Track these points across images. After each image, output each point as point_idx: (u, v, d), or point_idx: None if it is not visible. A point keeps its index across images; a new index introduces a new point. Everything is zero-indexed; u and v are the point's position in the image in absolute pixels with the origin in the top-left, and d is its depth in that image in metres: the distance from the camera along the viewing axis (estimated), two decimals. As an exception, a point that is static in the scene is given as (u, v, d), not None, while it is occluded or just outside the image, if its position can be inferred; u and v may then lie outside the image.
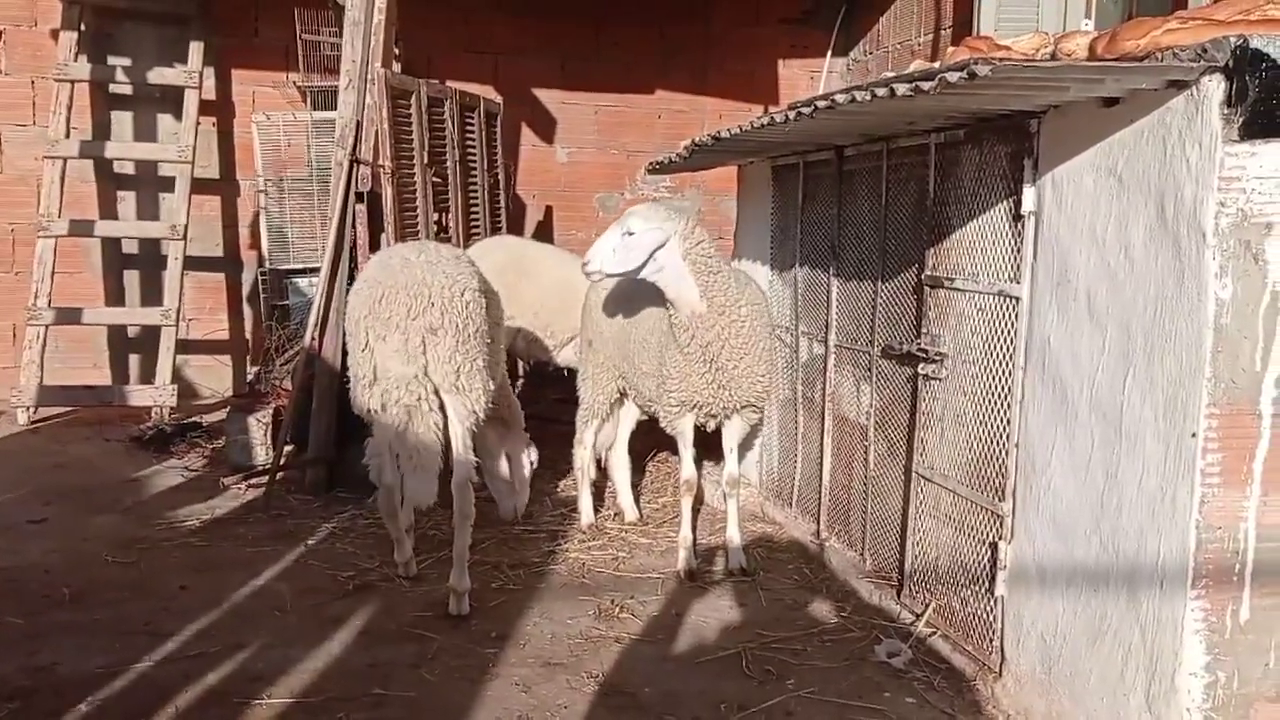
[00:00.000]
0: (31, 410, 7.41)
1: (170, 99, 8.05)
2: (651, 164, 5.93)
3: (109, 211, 8.19)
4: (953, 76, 2.69)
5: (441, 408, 4.26)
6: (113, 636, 3.91)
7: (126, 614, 4.15)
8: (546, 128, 9.23)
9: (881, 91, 3.06)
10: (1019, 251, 3.46)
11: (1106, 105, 3.02)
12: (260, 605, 4.29)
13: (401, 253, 4.48)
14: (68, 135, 7.65)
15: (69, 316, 7.61)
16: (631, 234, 4.32)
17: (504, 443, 5.30)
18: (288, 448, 5.96)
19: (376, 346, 4.19)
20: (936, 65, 3.08)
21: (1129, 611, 2.94)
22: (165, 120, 8.19)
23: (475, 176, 7.04)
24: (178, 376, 7.74)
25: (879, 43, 8.93)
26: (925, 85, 2.82)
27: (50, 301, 7.52)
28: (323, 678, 3.63)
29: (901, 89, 2.95)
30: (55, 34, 7.78)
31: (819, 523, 5.09)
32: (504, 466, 5.21)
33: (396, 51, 6.95)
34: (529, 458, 5.29)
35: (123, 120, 8.21)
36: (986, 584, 3.63)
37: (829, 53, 9.50)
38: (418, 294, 4.14)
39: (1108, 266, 3.04)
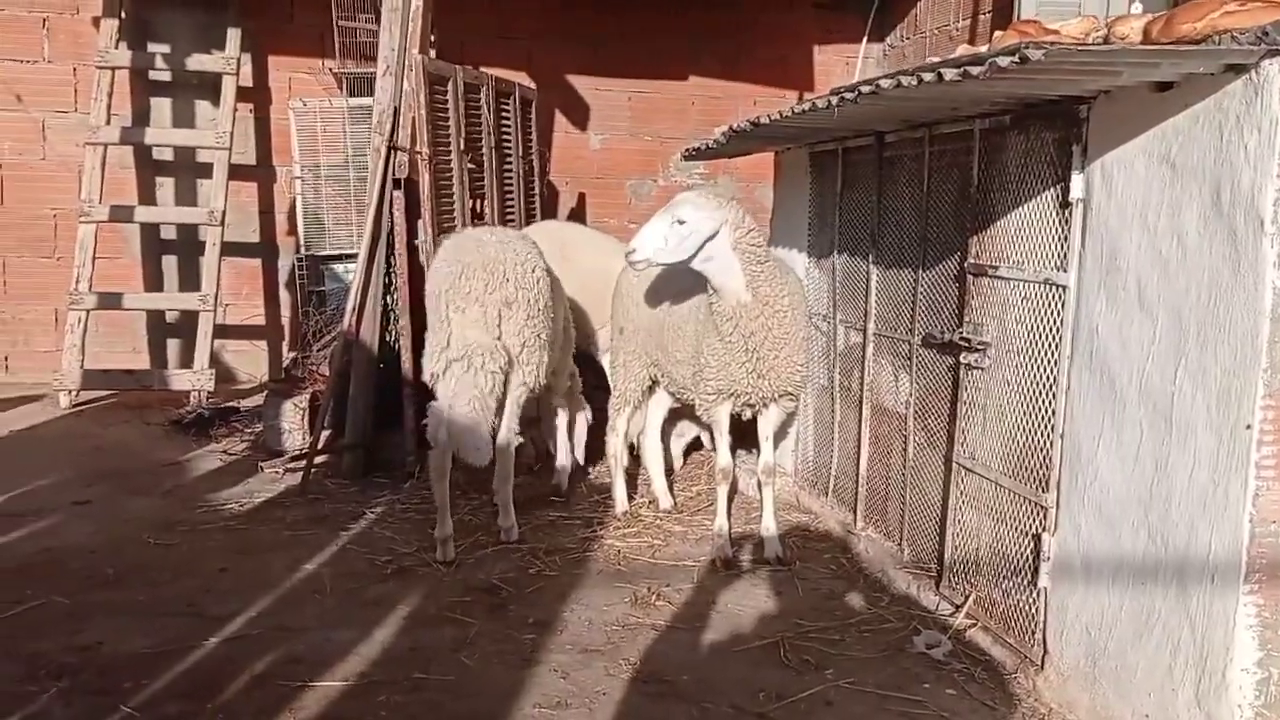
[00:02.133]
0: (73, 394, 7.50)
1: (208, 85, 8.11)
2: (687, 150, 5.90)
3: (148, 198, 8.27)
4: (1004, 61, 2.65)
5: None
6: (156, 617, 3.96)
7: (169, 595, 4.20)
8: (579, 114, 9.21)
9: (929, 76, 3.02)
10: (1066, 239, 3.41)
11: (1160, 90, 2.97)
12: (301, 588, 4.32)
13: (475, 235, 5.03)
14: (108, 122, 7.71)
15: (110, 301, 7.69)
16: (683, 223, 4.25)
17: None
18: (325, 432, 5.99)
19: (454, 318, 4.64)
20: (984, 50, 3.03)
21: (1178, 605, 2.90)
22: (203, 107, 8.25)
23: (510, 163, 7.03)
24: (215, 361, 7.80)
25: (916, 28, 8.83)
26: (974, 70, 2.79)
27: (91, 286, 7.60)
28: (364, 661, 3.65)
29: (950, 74, 2.91)
30: (96, 21, 7.84)
31: (855, 513, 5.06)
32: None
33: (431, 38, 6.95)
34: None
35: (162, 107, 8.28)
36: (1029, 576, 3.59)
37: (864, 38, 9.41)
38: (494, 270, 4.65)
39: (1159, 254, 2.99)
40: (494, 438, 4.73)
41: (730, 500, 5.04)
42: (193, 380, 7.56)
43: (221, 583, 4.36)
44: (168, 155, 8.30)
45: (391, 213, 5.83)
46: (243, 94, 8.19)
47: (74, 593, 4.17)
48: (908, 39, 8.96)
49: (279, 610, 4.08)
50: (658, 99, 9.32)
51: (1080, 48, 2.64)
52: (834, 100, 3.70)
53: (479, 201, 6.44)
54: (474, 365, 4.58)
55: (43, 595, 4.11)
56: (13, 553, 4.61)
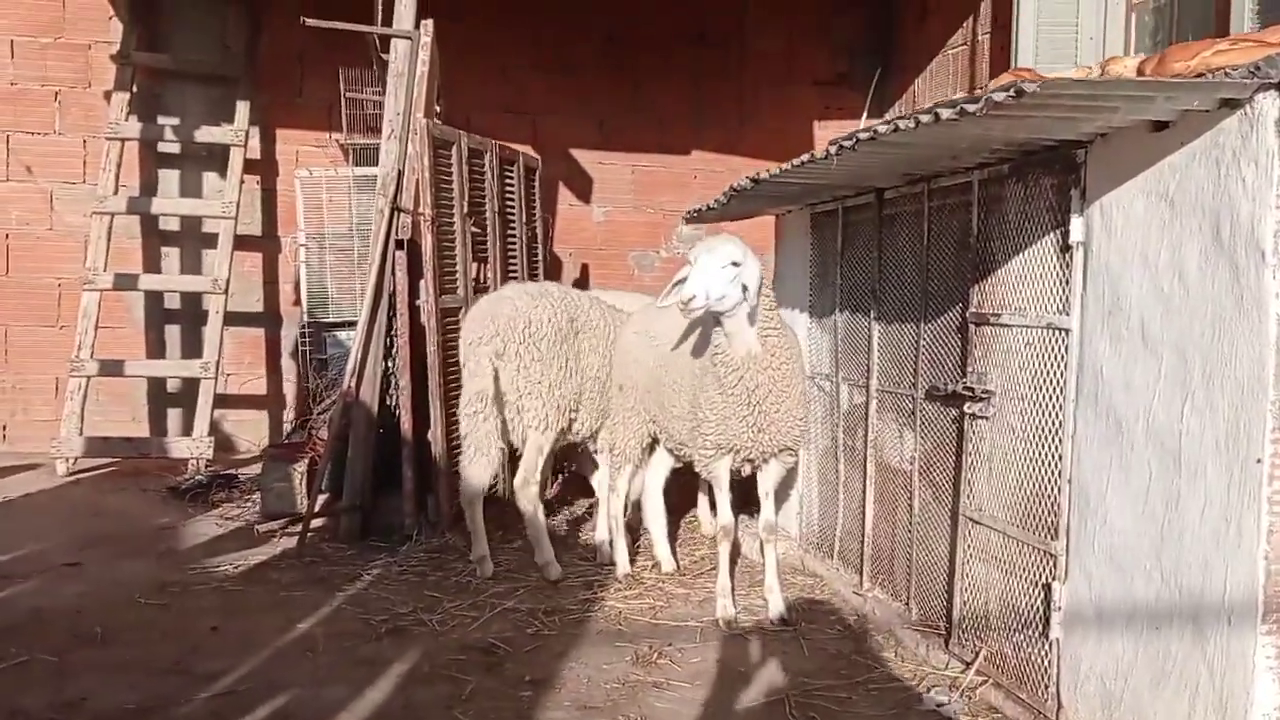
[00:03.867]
0: (71, 461, 7.44)
1: (216, 157, 8.22)
2: (689, 212, 5.94)
3: (153, 267, 8.33)
4: (999, 96, 2.66)
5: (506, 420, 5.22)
6: (143, 675, 3.86)
7: (157, 654, 4.09)
8: (583, 186, 9.31)
9: (926, 118, 3.03)
10: (1068, 283, 3.39)
11: (1156, 130, 2.98)
12: (292, 647, 4.22)
13: (497, 291, 5.69)
14: (116, 192, 7.79)
15: (111, 369, 7.68)
16: (738, 264, 4.15)
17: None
18: (322, 496, 5.92)
19: (467, 367, 5.21)
20: (979, 91, 3.05)
21: (1195, 649, 2.81)
22: (211, 178, 8.36)
23: (514, 229, 7.07)
24: (215, 430, 7.76)
25: (915, 103, 8.96)
26: (970, 107, 2.80)
27: (93, 354, 7.59)
28: (354, 717, 3.55)
29: (946, 114, 2.92)
30: (108, 95, 7.99)
31: (862, 574, 4.96)
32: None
33: (438, 109, 7.05)
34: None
35: (169, 178, 8.39)
36: (1040, 627, 3.49)
37: (864, 114, 9.54)
38: (486, 325, 5.11)
39: (1161, 292, 2.96)
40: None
41: (734, 563, 4.95)
42: (192, 448, 7.50)
43: (211, 641, 4.26)
44: (174, 225, 8.37)
45: (394, 273, 5.84)
46: (250, 166, 8.30)
47: (60, 651, 4.07)
48: (906, 115, 9.07)
49: (269, 668, 3.98)
50: (661, 173, 9.43)
51: (1075, 80, 2.66)
52: (833, 150, 3.72)
53: (481, 265, 6.45)
54: (466, 413, 5.14)
55: (27, 653, 4.01)
56: None
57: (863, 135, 3.46)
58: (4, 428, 8.26)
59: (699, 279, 4.15)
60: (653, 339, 5.13)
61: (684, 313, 4.25)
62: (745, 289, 4.18)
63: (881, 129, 3.33)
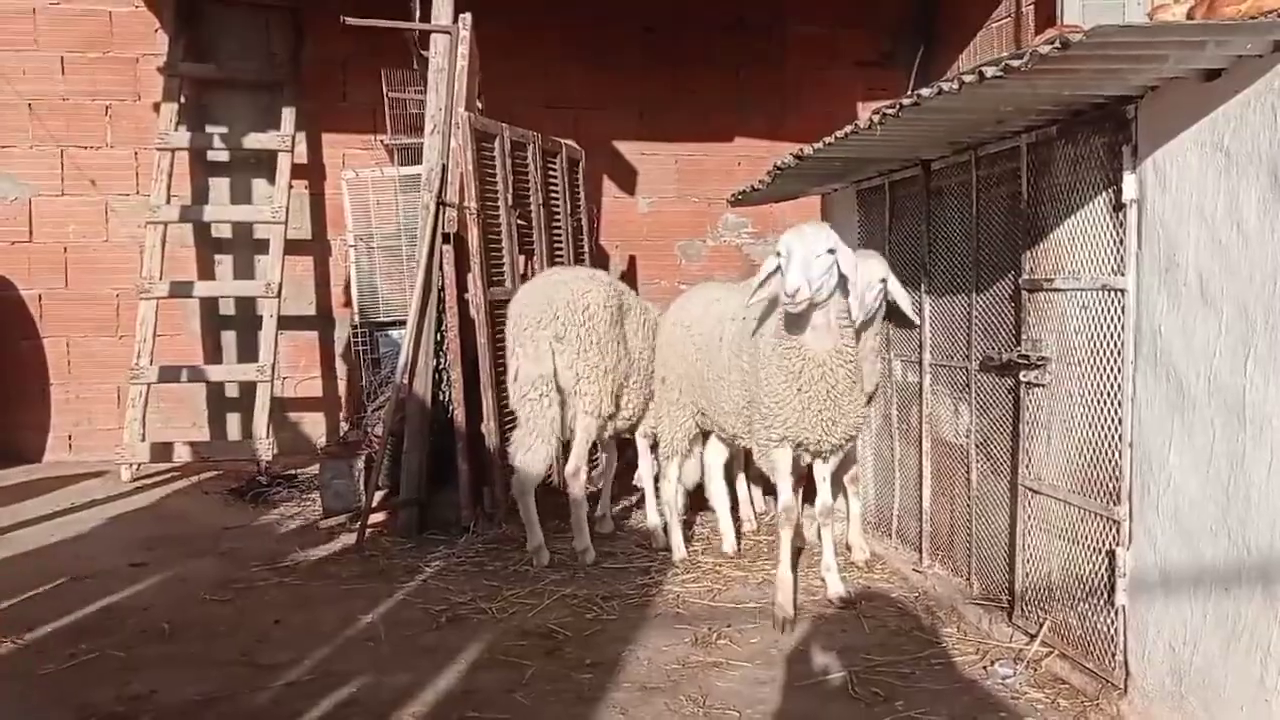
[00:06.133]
0: (135, 468, 7.58)
1: (264, 163, 8.32)
2: (734, 195, 5.91)
3: (207, 275, 8.46)
4: (1045, 49, 2.62)
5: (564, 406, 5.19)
6: (209, 667, 3.92)
7: (222, 647, 4.15)
8: (627, 178, 9.30)
9: (970, 78, 2.99)
10: (1122, 242, 3.32)
11: (1208, 80, 2.91)
12: (355, 638, 4.26)
13: (545, 275, 5.66)
14: (168, 201, 7.92)
15: (170, 375, 7.80)
16: (833, 251, 4.00)
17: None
18: (380, 492, 5.98)
19: (518, 352, 5.15)
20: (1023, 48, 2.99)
21: (1266, 609, 2.74)
22: (260, 185, 8.46)
23: (559, 221, 7.08)
24: (273, 433, 7.85)
25: (959, 79, 8.83)
26: (1015, 63, 2.75)
27: (153, 361, 7.72)
28: (418, 703, 3.57)
29: (991, 71, 2.88)
30: (156, 106, 8.12)
31: (921, 551, 4.92)
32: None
33: (479, 106, 7.09)
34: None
35: (220, 186, 8.50)
36: (1105, 595, 3.43)
37: (908, 93, 9.41)
38: (544, 309, 5.08)
39: (1219, 245, 2.89)
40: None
41: (797, 552, 4.89)
42: (251, 450, 7.61)
43: (276, 635, 4.32)
44: (226, 232, 8.49)
45: (442, 267, 5.87)
46: (298, 171, 8.39)
47: (128, 646, 4.15)
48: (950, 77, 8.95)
49: (333, 659, 4.02)
50: (705, 161, 9.38)
51: (1121, 27, 2.60)
52: (875, 119, 3.68)
53: (528, 258, 6.47)
54: (530, 398, 5.08)
55: (96, 649, 4.10)
56: (69, 611, 4.59)
57: (906, 102, 3.42)
58: (69, 437, 8.44)
59: (799, 269, 3.88)
60: (689, 329, 5.10)
61: (789, 308, 3.98)
62: (843, 278, 4.07)
63: (925, 93, 3.29)
